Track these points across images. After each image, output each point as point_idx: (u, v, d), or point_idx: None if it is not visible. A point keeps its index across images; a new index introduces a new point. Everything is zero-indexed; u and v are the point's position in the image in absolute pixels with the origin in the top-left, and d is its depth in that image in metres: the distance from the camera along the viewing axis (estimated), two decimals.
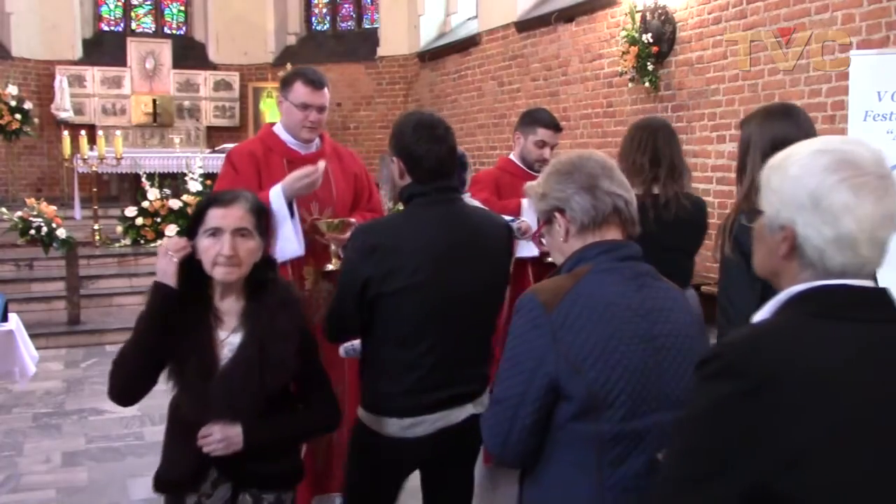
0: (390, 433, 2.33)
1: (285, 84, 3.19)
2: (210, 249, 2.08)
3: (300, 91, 3.12)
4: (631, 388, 1.62)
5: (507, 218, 2.85)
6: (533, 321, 1.65)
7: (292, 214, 3.02)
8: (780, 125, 2.27)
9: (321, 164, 3.02)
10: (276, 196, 2.98)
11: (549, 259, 3.28)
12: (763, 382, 1.17)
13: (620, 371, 1.61)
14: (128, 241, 9.10)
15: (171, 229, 8.99)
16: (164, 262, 2.10)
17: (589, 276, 1.69)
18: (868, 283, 1.26)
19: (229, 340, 2.12)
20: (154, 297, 2.09)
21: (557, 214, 1.77)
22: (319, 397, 2.28)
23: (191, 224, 2.18)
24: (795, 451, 1.15)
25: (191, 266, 2.12)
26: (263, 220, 2.17)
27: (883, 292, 1.28)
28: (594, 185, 1.74)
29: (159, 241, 8.96)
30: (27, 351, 4.39)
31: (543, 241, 1.88)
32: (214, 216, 2.10)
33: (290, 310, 2.15)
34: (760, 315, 1.32)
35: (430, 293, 2.26)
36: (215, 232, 2.09)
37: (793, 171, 1.26)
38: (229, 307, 2.15)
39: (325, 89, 3.17)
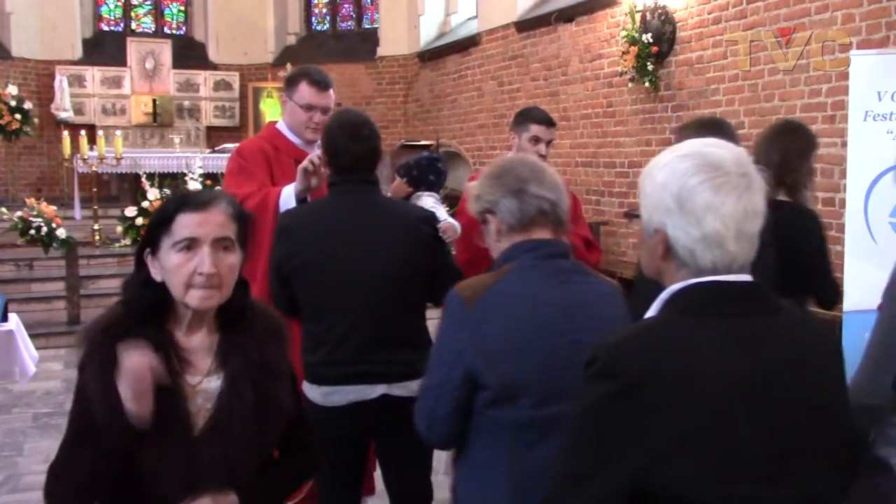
0: (315, 399, 2.54)
1: (290, 83, 3.16)
2: (182, 268, 1.60)
3: (305, 92, 3.10)
4: (542, 379, 1.72)
5: (442, 217, 2.96)
6: (453, 316, 1.79)
7: None
8: (713, 137, 2.44)
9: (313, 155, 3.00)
10: (287, 191, 2.99)
11: None
12: (634, 383, 1.23)
13: (532, 363, 1.72)
14: (128, 241, 9.06)
15: None
16: (133, 390, 1.52)
17: (509, 274, 1.81)
18: (739, 277, 1.31)
19: (204, 387, 1.65)
20: (116, 430, 1.54)
21: (489, 216, 1.90)
22: (302, 441, 1.88)
23: (150, 234, 1.67)
24: (665, 445, 1.21)
25: (144, 290, 1.65)
26: (244, 228, 1.71)
27: (754, 286, 1.33)
28: (522, 189, 1.85)
29: None
30: (27, 351, 4.40)
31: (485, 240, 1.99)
32: (188, 223, 1.61)
33: (278, 340, 1.76)
34: (649, 313, 1.38)
35: (325, 273, 2.50)
36: (190, 244, 1.61)
37: (659, 177, 1.34)
38: (198, 344, 1.68)
39: (331, 90, 3.16)
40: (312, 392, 2.56)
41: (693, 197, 1.29)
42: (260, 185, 3.08)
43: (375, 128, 2.68)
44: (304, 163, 2.91)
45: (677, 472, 1.21)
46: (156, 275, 1.64)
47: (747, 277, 1.33)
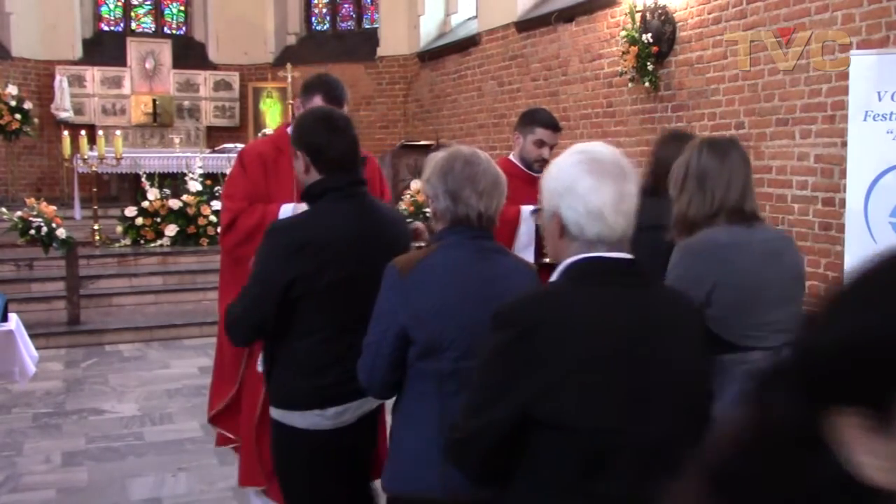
0: (319, 425, 2.45)
1: (306, 92, 3.17)
2: None
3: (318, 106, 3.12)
4: (463, 337, 2.00)
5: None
6: (389, 284, 2.10)
7: None
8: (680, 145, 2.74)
9: None
10: (285, 212, 3.04)
11: (546, 261, 3.33)
12: (527, 330, 1.54)
13: (455, 323, 2.02)
14: (128, 241, 9.10)
15: (172, 229, 8.99)
16: None
17: (438, 250, 2.12)
18: (619, 255, 1.63)
19: None
20: None
21: (430, 200, 2.20)
22: None
23: (875, 377, 0.70)
24: (550, 381, 1.51)
25: None
26: None
27: (631, 263, 1.64)
28: (457, 196, 2.13)
29: (159, 241, 8.97)
30: (27, 351, 4.39)
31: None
32: None
33: None
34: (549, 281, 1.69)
35: (353, 286, 2.42)
36: None
37: (554, 170, 1.68)
38: None
39: (344, 106, 3.17)
40: (314, 419, 2.45)
41: (579, 182, 1.62)
42: (251, 193, 3.14)
43: (349, 118, 2.61)
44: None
45: (557, 404, 1.51)
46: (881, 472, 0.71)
47: (628, 256, 1.64)
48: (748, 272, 2.30)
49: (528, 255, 3.46)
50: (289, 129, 3.26)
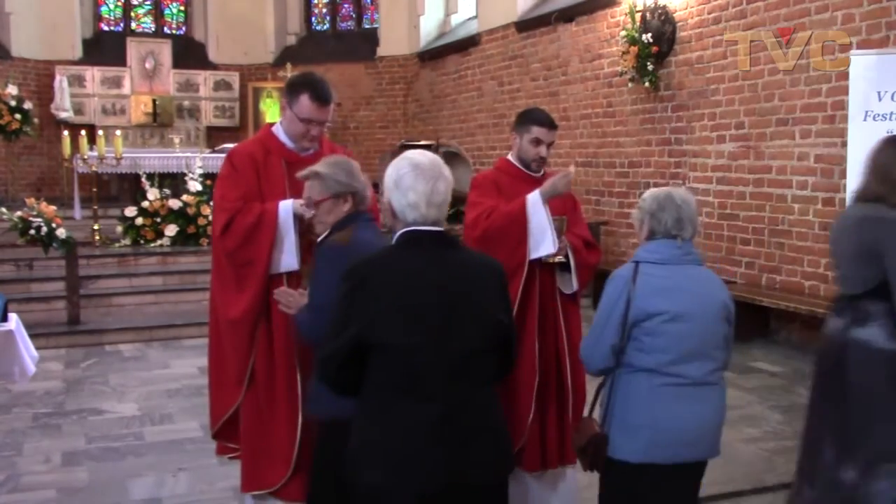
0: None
1: (292, 92, 3.13)
2: None
3: (305, 105, 3.08)
4: None
5: None
6: (337, 256, 2.64)
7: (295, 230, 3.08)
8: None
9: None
10: (285, 209, 3.05)
11: (556, 259, 3.32)
12: (359, 281, 2.17)
13: None
14: (128, 241, 9.09)
15: (172, 229, 8.99)
16: None
17: (357, 230, 2.74)
18: (431, 228, 2.22)
19: None
20: None
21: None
22: None
23: None
24: (373, 316, 2.13)
25: None
26: None
27: (441, 233, 2.24)
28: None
29: (159, 241, 8.97)
30: (27, 351, 4.39)
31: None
32: None
33: None
34: None
35: None
36: None
37: (388, 171, 2.26)
38: None
39: (331, 104, 3.14)
40: None
41: (402, 180, 2.21)
42: (245, 194, 3.12)
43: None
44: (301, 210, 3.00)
45: (382, 330, 2.13)
46: None
47: (439, 229, 2.24)
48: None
49: (547, 244, 3.36)
50: (274, 129, 3.24)
